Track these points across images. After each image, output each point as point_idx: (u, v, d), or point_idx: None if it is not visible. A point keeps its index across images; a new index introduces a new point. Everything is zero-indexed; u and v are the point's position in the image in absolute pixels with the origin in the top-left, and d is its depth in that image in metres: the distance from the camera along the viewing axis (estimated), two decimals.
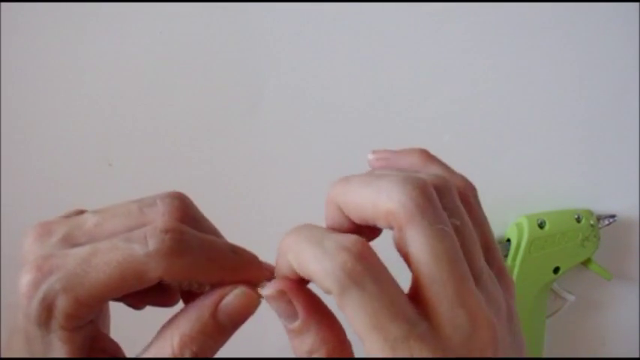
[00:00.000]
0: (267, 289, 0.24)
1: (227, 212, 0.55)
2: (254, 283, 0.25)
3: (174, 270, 0.23)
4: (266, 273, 0.26)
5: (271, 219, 0.55)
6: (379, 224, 0.25)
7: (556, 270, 0.54)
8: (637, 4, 0.53)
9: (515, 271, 0.54)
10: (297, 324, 0.24)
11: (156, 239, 0.24)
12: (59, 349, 0.24)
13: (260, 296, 0.25)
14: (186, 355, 0.24)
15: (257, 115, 0.53)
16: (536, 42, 0.54)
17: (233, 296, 0.25)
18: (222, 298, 0.24)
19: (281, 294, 0.24)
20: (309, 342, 0.24)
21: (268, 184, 0.55)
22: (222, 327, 0.25)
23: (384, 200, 0.24)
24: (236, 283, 0.25)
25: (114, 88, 0.53)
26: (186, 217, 0.26)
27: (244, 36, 0.52)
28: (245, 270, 0.25)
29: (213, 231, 0.27)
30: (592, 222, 0.54)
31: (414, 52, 0.53)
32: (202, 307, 0.24)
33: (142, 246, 0.23)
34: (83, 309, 0.24)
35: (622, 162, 0.56)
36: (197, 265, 0.24)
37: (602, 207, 0.56)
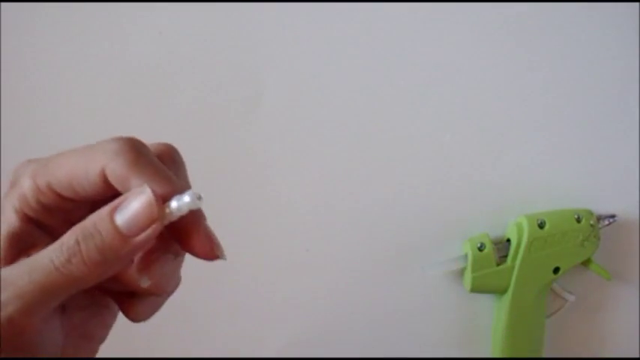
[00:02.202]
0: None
1: (227, 212, 0.55)
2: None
3: (115, 164, 0.26)
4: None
5: (271, 219, 0.55)
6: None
7: (556, 270, 0.54)
8: (637, 4, 0.53)
9: (515, 271, 0.54)
10: None
11: (115, 141, 0.28)
12: (3, 221, 0.25)
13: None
14: (71, 243, 0.24)
15: (257, 115, 0.53)
16: (536, 42, 0.54)
17: (133, 198, 0.24)
18: (126, 198, 0.25)
19: None
20: None
21: (268, 184, 0.55)
22: (117, 228, 0.24)
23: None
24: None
25: (114, 88, 0.53)
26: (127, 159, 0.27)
27: (244, 36, 0.52)
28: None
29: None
30: (592, 222, 0.54)
31: (414, 52, 0.53)
32: (104, 207, 0.25)
33: (100, 144, 0.27)
34: (36, 194, 0.25)
35: (622, 162, 0.56)
36: (138, 170, 0.25)
37: (602, 207, 0.56)
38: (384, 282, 0.57)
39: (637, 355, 0.59)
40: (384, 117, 0.54)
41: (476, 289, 0.54)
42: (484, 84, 0.54)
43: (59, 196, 0.26)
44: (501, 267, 0.54)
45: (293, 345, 0.56)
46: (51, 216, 0.26)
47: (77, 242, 0.24)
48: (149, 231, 0.24)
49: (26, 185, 0.26)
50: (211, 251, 0.26)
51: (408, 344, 0.58)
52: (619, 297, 0.58)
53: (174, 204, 0.24)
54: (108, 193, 0.26)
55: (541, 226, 0.53)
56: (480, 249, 0.54)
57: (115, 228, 0.24)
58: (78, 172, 0.25)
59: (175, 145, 0.53)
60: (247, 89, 0.53)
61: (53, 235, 0.26)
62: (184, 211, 0.24)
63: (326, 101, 0.54)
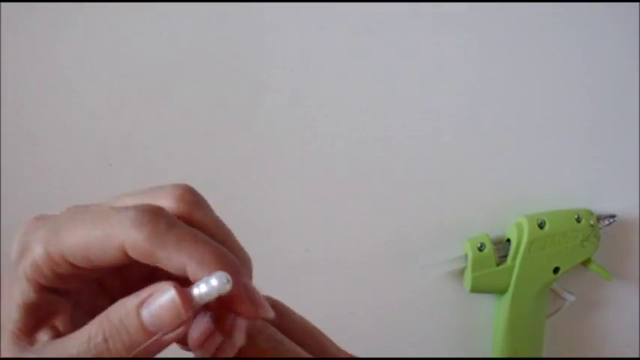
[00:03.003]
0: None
1: (227, 212, 0.55)
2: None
3: (135, 239, 0.23)
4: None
5: (271, 219, 0.55)
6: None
7: (556, 270, 0.54)
8: (637, 4, 0.53)
9: (515, 271, 0.54)
10: None
11: (133, 209, 0.23)
12: (16, 290, 0.24)
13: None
14: (99, 340, 0.23)
15: (257, 115, 0.53)
16: (536, 42, 0.54)
17: (159, 296, 0.23)
18: (152, 293, 0.23)
19: None
20: None
21: (268, 184, 0.55)
22: (144, 326, 0.23)
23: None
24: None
25: (114, 88, 0.53)
26: (187, 202, 0.25)
27: (244, 36, 0.52)
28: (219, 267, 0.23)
29: (214, 223, 0.26)
30: (592, 222, 0.54)
31: (414, 52, 0.53)
32: (130, 297, 0.23)
33: (117, 212, 0.23)
34: (49, 264, 0.24)
35: (622, 162, 0.56)
36: (161, 243, 0.23)
37: (602, 207, 0.56)
38: (384, 282, 0.57)
39: (637, 355, 0.59)
40: (384, 117, 0.54)
41: (476, 289, 0.54)
42: (484, 84, 0.54)
43: (74, 266, 0.24)
44: (501, 267, 0.54)
45: None
46: (67, 282, 0.25)
47: (105, 340, 0.23)
48: (179, 330, 0.23)
49: (38, 254, 0.24)
50: (256, 314, 0.24)
51: (408, 344, 0.58)
52: (619, 297, 0.58)
53: (201, 290, 0.23)
54: (128, 261, 0.24)
55: (541, 226, 0.53)
56: (480, 249, 0.54)
57: (142, 325, 0.23)
58: (94, 245, 0.23)
59: (175, 145, 0.54)
60: (247, 89, 0.53)
61: (72, 298, 0.26)
62: (213, 296, 0.23)
63: (326, 101, 0.54)
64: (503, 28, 0.53)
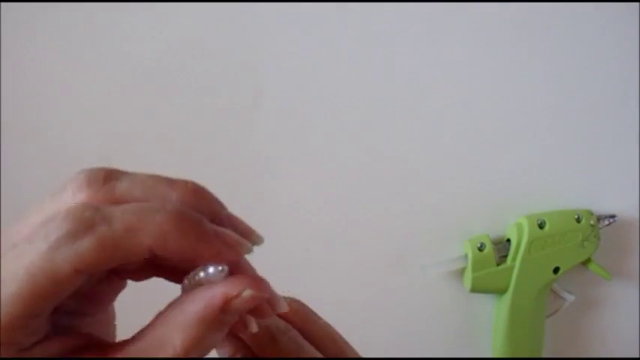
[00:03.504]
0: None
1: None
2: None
3: (84, 259, 0.20)
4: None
5: (271, 218, 0.55)
6: None
7: (556, 270, 0.54)
8: (637, 4, 0.53)
9: (515, 271, 0.54)
10: None
11: (57, 230, 0.20)
12: None
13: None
14: (193, 356, 0.21)
15: (257, 115, 0.53)
16: (536, 42, 0.54)
17: (243, 301, 0.22)
18: (229, 299, 0.22)
19: None
20: None
21: (268, 184, 0.55)
22: (227, 324, 0.22)
23: None
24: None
25: (114, 88, 0.53)
26: (98, 188, 0.22)
27: (244, 36, 0.52)
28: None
29: (137, 183, 0.24)
30: (592, 222, 0.54)
31: (414, 52, 0.53)
32: (201, 316, 0.21)
33: (44, 242, 0.20)
34: (11, 332, 0.20)
35: (622, 162, 0.56)
36: (114, 246, 0.20)
37: (602, 207, 0.56)
38: (384, 282, 0.57)
39: (637, 355, 0.59)
40: (384, 117, 0.54)
41: (476, 289, 0.54)
42: (484, 84, 0.54)
43: (35, 318, 0.21)
44: (501, 267, 0.54)
45: None
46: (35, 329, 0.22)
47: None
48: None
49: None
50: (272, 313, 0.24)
51: (408, 344, 0.58)
52: (619, 297, 0.58)
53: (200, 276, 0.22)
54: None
55: (541, 226, 0.53)
56: (480, 249, 0.54)
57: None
58: (44, 292, 0.20)
59: (175, 144, 0.54)
60: (247, 89, 0.53)
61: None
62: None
63: (326, 101, 0.54)
64: (503, 28, 0.53)
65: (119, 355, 0.21)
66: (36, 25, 0.51)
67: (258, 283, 0.22)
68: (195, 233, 0.21)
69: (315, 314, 0.29)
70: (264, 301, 0.23)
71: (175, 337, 0.21)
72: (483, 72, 0.54)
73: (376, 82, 0.54)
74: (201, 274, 0.22)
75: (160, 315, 0.22)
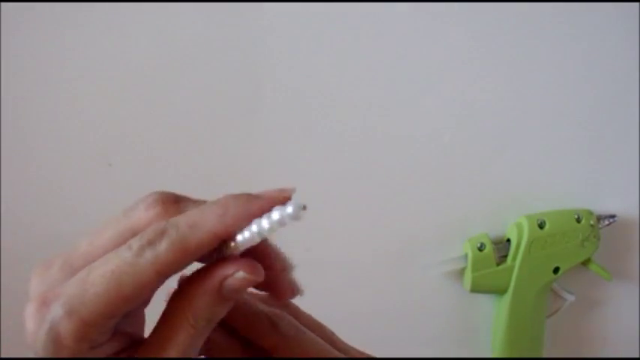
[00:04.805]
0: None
1: None
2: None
3: (164, 259, 0.24)
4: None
5: None
6: None
7: (556, 270, 0.54)
8: (637, 4, 0.53)
9: (515, 271, 0.54)
10: None
11: (138, 239, 0.24)
12: None
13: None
14: (202, 323, 0.25)
15: (257, 115, 0.53)
16: (536, 42, 0.54)
17: (234, 280, 0.25)
18: (224, 278, 0.25)
19: None
20: None
21: (268, 184, 0.55)
22: (230, 299, 0.26)
23: None
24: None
25: (114, 88, 0.53)
26: (168, 205, 0.26)
27: (244, 36, 0.52)
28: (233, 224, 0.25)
29: (196, 205, 0.27)
30: (592, 222, 0.54)
31: (414, 52, 0.53)
32: (207, 289, 0.25)
33: (128, 250, 0.24)
34: (92, 329, 0.23)
35: (622, 162, 0.56)
36: (184, 243, 0.24)
37: (602, 207, 0.56)
38: (384, 282, 0.57)
39: (637, 355, 0.59)
40: (384, 117, 0.54)
41: (476, 289, 0.54)
42: (484, 84, 0.54)
43: (114, 317, 0.25)
44: (501, 267, 0.54)
45: None
46: (108, 331, 0.25)
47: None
48: None
49: (76, 330, 0.23)
50: (292, 295, 0.28)
51: (408, 344, 0.58)
52: (619, 297, 0.58)
53: (245, 235, 0.25)
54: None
55: (541, 226, 0.53)
56: (480, 249, 0.54)
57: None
58: (127, 292, 0.24)
59: (175, 145, 0.54)
60: (247, 89, 0.53)
61: None
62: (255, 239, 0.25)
63: (326, 101, 0.54)
64: (503, 28, 0.53)
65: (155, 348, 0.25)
66: (36, 25, 0.51)
67: (252, 267, 0.25)
68: (245, 204, 0.25)
69: (299, 307, 0.32)
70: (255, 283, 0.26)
71: (188, 312, 0.25)
72: (483, 72, 0.54)
73: (376, 82, 0.54)
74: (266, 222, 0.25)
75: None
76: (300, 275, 0.59)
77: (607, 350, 0.59)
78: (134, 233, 0.25)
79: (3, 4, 0.50)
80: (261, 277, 0.25)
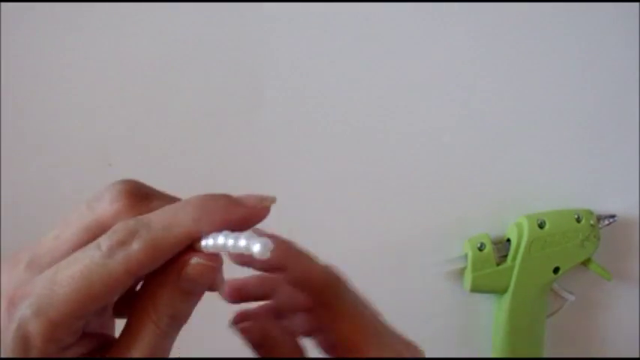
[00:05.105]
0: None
1: None
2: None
3: (134, 260, 0.23)
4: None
5: (271, 218, 0.55)
6: None
7: (556, 270, 0.54)
8: (637, 4, 0.53)
9: (515, 271, 0.54)
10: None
11: (107, 239, 0.24)
12: None
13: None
14: (165, 321, 0.25)
15: (257, 115, 0.53)
16: (536, 42, 0.54)
17: (190, 269, 0.24)
18: (181, 268, 0.24)
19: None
20: None
21: (269, 184, 0.55)
22: (190, 291, 0.25)
23: None
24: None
25: (114, 88, 0.53)
26: (134, 198, 0.26)
27: (244, 36, 0.52)
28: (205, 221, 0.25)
29: (166, 201, 0.27)
30: (592, 222, 0.54)
31: (414, 52, 0.53)
32: (166, 282, 0.25)
33: (97, 250, 0.23)
34: (60, 330, 0.23)
35: (622, 162, 0.56)
36: (157, 243, 0.24)
37: (602, 207, 0.56)
38: (384, 282, 0.57)
39: (637, 355, 0.59)
40: (384, 117, 0.54)
41: (476, 289, 0.54)
42: (484, 84, 0.54)
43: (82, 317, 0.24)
44: (501, 267, 0.54)
45: None
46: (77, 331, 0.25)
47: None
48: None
49: (44, 331, 0.23)
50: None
51: None
52: (619, 297, 0.58)
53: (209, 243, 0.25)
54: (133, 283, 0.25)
55: (541, 226, 0.53)
56: (480, 249, 0.54)
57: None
58: (96, 293, 0.24)
59: (175, 145, 0.54)
60: (247, 89, 0.53)
61: None
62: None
63: (326, 101, 0.54)
64: (503, 28, 0.53)
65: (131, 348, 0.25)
66: (36, 25, 0.51)
67: (210, 255, 0.24)
68: (224, 207, 0.25)
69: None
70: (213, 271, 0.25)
71: (151, 310, 0.25)
72: (483, 72, 0.54)
73: (376, 82, 0.54)
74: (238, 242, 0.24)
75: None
76: None
77: (607, 350, 0.59)
78: (100, 226, 0.25)
79: (3, 4, 0.50)
80: (219, 263, 0.25)
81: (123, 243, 0.23)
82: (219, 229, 0.24)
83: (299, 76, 0.53)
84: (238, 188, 0.56)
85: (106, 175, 0.53)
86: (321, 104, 0.54)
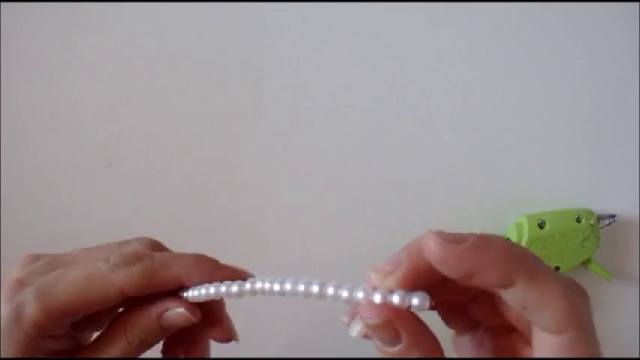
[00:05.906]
0: (371, 319, 0.26)
1: (227, 212, 0.55)
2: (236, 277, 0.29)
3: (131, 280, 0.27)
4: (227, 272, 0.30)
5: (271, 218, 0.55)
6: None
7: (556, 270, 0.54)
8: (637, 4, 0.53)
9: None
10: (398, 348, 0.27)
11: (117, 257, 0.28)
12: (12, 352, 0.27)
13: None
14: (136, 342, 0.28)
15: (257, 115, 0.53)
16: (536, 42, 0.54)
17: (174, 313, 0.29)
18: (165, 310, 0.29)
19: (388, 323, 0.26)
20: None
21: (269, 184, 0.55)
22: (165, 329, 0.29)
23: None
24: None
25: (114, 88, 0.53)
26: (154, 248, 0.30)
27: (244, 36, 0.52)
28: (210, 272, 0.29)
29: None
30: (592, 222, 0.54)
31: (414, 52, 0.53)
32: (148, 314, 0.29)
33: (105, 263, 0.27)
34: (51, 319, 0.27)
35: (622, 162, 0.56)
36: (153, 273, 0.28)
37: (602, 207, 0.56)
38: None
39: (637, 355, 0.59)
40: (384, 117, 0.54)
41: None
42: (484, 84, 0.54)
43: (73, 314, 0.28)
44: None
45: (293, 345, 0.56)
46: (65, 325, 0.28)
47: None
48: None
49: (37, 315, 0.27)
50: (229, 338, 0.31)
51: None
52: (619, 297, 0.58)
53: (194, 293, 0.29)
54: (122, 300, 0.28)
55: (541, 226, 0.53)
56: None
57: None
58: (92, 297, 0.27)
59: (175, 145, 0.54)
60: (247, 89, 0.53)
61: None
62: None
63: (326, 101, 0.54)
64: (503, 28, 0.53)
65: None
66: (36, 25, 0.51)
67: (193, 308, 0.29)
68: (212, 265, 0.29)
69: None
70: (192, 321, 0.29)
71: (128, 330, 0.29)
72: (483, 72, 0.54)
73: (376, 82, 0.54)
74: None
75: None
76: (299, 275, 0.59)
77: (607, 350, 0.59)
78: None
79: (3, 4, 0.50)
80: (197, 318, 0.29)
81: (127, 263, 0.27)
82: (202, 282, 0.29)
83: (299, 76, 0.53)
84: (238, 188, 0.56)
85: (106, 175, 0.53)
86: (321, 104, 0.54)
